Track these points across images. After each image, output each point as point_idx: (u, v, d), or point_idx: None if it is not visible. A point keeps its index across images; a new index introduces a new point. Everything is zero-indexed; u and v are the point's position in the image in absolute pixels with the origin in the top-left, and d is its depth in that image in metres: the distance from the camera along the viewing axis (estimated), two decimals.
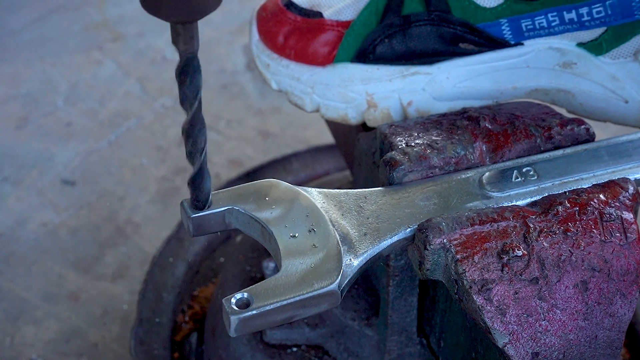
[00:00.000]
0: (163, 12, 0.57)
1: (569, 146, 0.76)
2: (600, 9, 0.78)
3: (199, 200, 0.68)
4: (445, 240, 0.67)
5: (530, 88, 0.83)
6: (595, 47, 0.81)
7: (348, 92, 0.82)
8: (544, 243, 0.68)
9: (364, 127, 0.85)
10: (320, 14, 0.82)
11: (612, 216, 0.70)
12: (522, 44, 0.81)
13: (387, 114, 0.83)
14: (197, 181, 0.67)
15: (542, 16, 0.79)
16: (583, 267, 0.68)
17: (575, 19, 0.79)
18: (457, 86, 0.82)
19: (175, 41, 0.60)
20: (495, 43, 0.81)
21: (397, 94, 0.82)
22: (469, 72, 0.82)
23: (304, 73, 0.83)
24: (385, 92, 0.82)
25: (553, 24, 0.79)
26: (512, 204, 0.71)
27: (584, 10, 0.79)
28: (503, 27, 0.80)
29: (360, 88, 0.82)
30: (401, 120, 0.82)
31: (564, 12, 0.79)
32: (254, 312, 0.63)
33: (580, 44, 0.81)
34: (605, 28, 0.80)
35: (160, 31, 1.58)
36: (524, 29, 0.80)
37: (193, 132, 0.65)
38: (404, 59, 0.82)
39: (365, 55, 0.82)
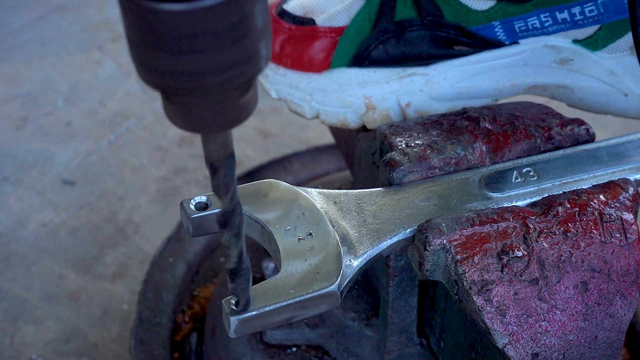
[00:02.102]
0: (194, 126, 0.52)
1: (569, 147, 0.76)
2: (593, 7, 0.78)
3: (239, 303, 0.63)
4: (445, 241, 0.67)
5: (529, 85, 0.83)
6: (591, 44, 0.81)
7: (346, 96, 0.82)
8: (544, 244, 0.68)
9: (364, 129, 0.85)
10: (312, 21, 0.82)
11: (612, 217, 0.70)
12: (517, 43, 0.81)
13: (387, 115, 0.83)
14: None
15: (535, 17, 0.79)
16: (583, 268, 0.68)
17: (568, 19, 0.79)
18: (454, 86, 0.82)
19: (207, 149, 0.55)
20: (489, 44, 0.81)
21: (394, 95, 0.82)
22: (466, 72, 0.82)
23: (301, 80, 0.83)
24: (383, 94, 0.82)
25: (546, 24, 0.80)
26: (512, 204, 0.71)
27: (576, 10, 0.79)
28: (496, 29, 0.80)
29: (357, 92, 0.82)
30: (401, 120, 0.82)
31: (557, 13, 0.79)
32: (254, 313, 0.63)
33: (575, 41, 0.81)
34: (599, 25, 0.80)
35: None
36: (517, 30, 0.80)
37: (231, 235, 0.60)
38: (400, 62, 0.82)
39: (360, 59, 0.82)
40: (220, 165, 0.55)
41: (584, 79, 0.82)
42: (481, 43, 0.80)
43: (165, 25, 0.47)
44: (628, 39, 0.80)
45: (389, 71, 0.82)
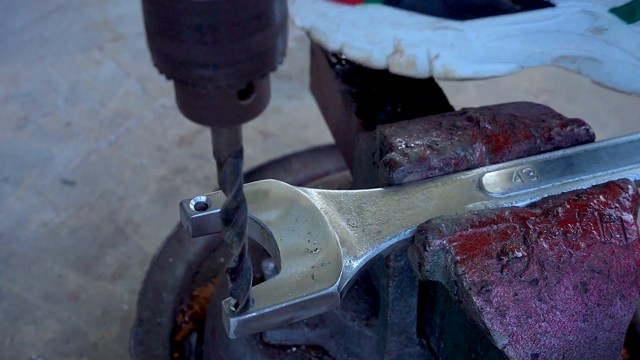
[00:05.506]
0: (206, 119, 0.52)
1: (568, 147, 0.76)
2: None
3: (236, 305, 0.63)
4: (444, 241, 0.67)
5: (558, 55, 0.81)
6: (628, 13, 0.79)
7: (376, 33, 0.79)
8: (544, 244, 0.68)
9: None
10: None
11: (612, 217, 0.70)
12: (554, 6, 0.79)
13: (412, 62, 0.80)
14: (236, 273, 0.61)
15: None
16: (583, 269, 0.68)
17: None
18: (485, 45, 0.80)
19: (215, 142, 0.55)
20: (535, 2, 0.79)
21: (425, 44, 0.80)
22: (499, 32, 0.80)
23: (331, 9, 0.80)
24: (414, 40, 0.80)
25: None
26: (512, 205, 0.71)
27: None
28: None
29: (388, 31, 0.79)
30: (400, 121, 0.82)
31: None
32: (254, 314, 0.63)
33: (612, 10, 0.79)
34: None
35: None
36: None
37: (234, 217, 0.59)
38: (437, 12, 0.80)
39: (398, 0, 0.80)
40: (227, 159, 0.55)
41: (615, 51, 0.80)
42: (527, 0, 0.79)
43: (185, 14, 0.47)
44: None
45: (424, 19, 0.79)
